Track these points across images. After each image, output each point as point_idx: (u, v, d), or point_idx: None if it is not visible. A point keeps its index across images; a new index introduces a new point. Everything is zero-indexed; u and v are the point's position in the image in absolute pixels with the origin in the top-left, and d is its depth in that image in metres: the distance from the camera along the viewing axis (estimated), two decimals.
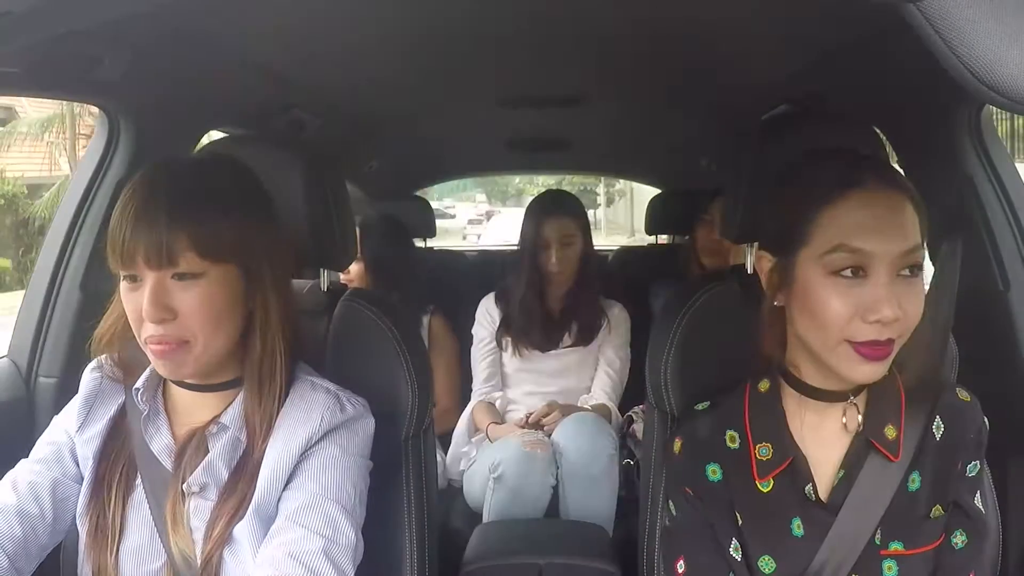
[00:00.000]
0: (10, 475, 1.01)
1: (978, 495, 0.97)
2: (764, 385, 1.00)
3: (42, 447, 1.04)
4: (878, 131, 1.25)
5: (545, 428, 2.03)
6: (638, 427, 2.05)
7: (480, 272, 2.95)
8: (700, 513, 0.98)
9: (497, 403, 2.23)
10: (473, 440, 2.18)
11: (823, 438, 0.96)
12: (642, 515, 1.25)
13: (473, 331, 2.31)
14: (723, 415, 1.01)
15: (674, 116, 2.38)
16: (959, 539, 0.95)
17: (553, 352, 2.21)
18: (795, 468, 0.95)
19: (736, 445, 0.98)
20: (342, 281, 2.29)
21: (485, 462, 1.93)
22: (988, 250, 1.38)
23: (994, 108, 1.31)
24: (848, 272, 0.86)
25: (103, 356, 1.07)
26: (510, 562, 1.62)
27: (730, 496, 0.97)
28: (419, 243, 2.92)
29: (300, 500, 0.94)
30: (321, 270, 1.26)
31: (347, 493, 0.96)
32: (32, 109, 14.58)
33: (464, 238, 16.83)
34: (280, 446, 0.97)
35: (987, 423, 0.98)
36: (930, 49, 0.50)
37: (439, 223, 3.54)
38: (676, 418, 1.17)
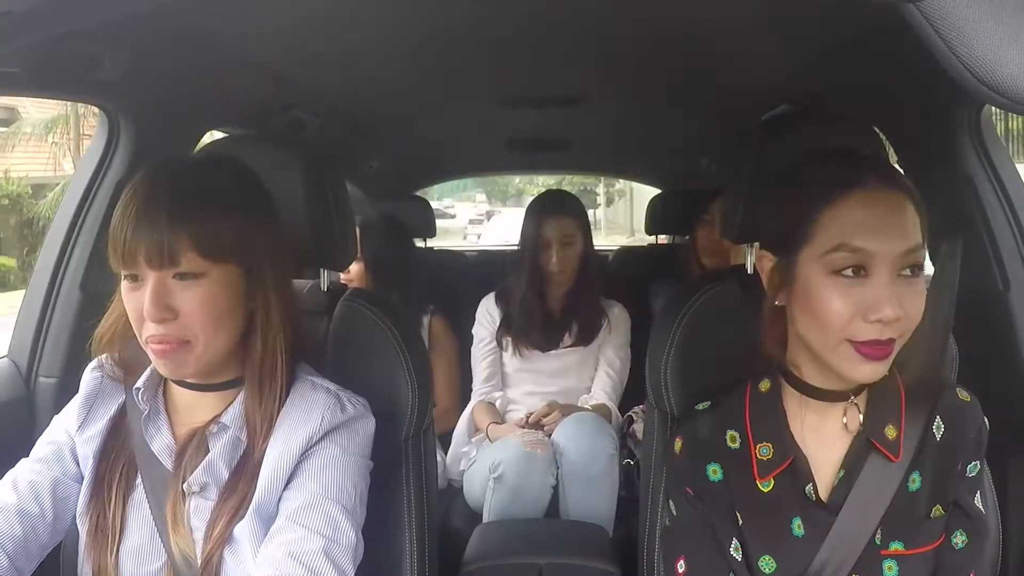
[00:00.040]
0: (10, 474, 1.01)
1: (978, 495, 0.97)
2: (765, 385, 1.00)
3: (42, 446, 1.04)
4: (878, 131, 1.25)
5: (545, 428, 2.03)
6: (638, 427, 2.05)
7: (480, 272, 2.95)
8: (700, 513, 0.98)
9: (497, 403, 2.23)
10: (473, 440, 2.18)
11: (824, 438, 0.96)
12: (642, 515, 1.25)
13: (473, 331, 2.31)
14: (724, 415, 1.01)
15: (674, 116, 2.38)
16: (959, 539, 0.95)
17: (553, 352, 2.21)
18: (796, 468, 0.95)
19: (737, 445, 0.98)
20: (342, 281, 2.29)
21: (485, 462, 1.93)
22: (988, 250, 1.38)
23: (994, 108, 1.31)
24: (849, 272, 0.86)
25: (103, 356, 1.07)
26: (510, 562, 1.62)
27: (730, 496, 0.97)
28: (419, 243, 2.92)
29: (300, 500, 0.94)
30: (321, 270, 1.26)
31: (348, 493, 0.96)
32: (35, 110, 14.63)
33: (464, 237, 16.84)
34: (280, 446, 0.97)
35: (987, 423, 0.98)
36: (930, 49, 0.50)
37: (440, 223, 3.54)
38: (676, 418, 1.17)
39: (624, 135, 2.88)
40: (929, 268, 0.95)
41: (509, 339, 2.22)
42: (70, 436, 1.03)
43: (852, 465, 0.94)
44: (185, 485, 0.97)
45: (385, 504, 1.12)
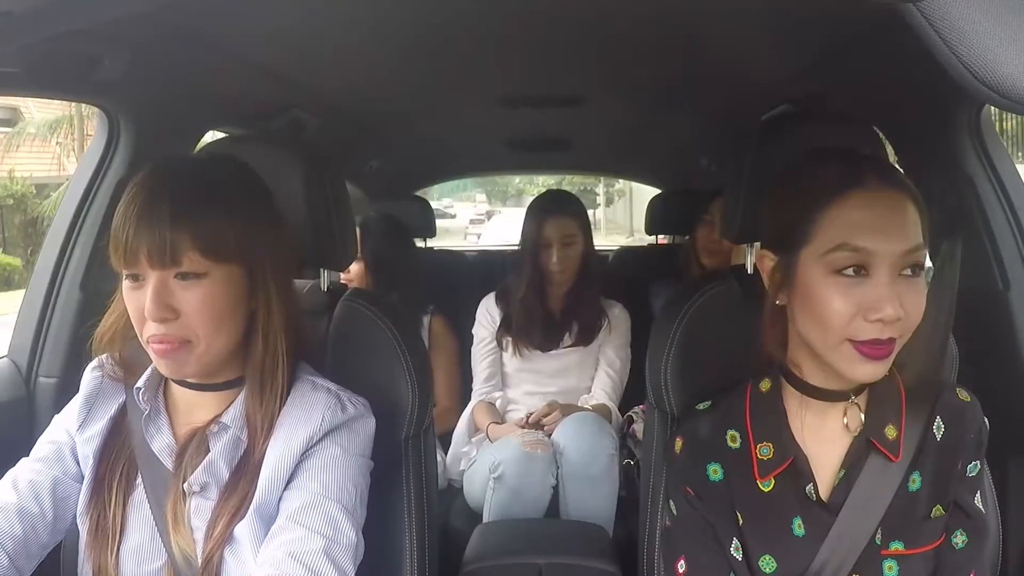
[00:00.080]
0: (11, 474, 1.01)
1: (978, 495, 0.97)
2: (765, 385, 1.00)
3: (43, 446, 1.04)
4: (878, 131, 1.25)
5: (545, 428, 2.03)
6: (638, 427, 2.05)
7: (480, 272, 2.95)
8: (701, 513, 0.98)
9: (497, 403, 2.23)
10: (473, 440, 2.18)
11: (824, 438, 0.96)
12: (642, 515, 1.25)
13: (473, 331, 2.31)
14: (724, 415, 1.01)
15: (674, 116, 2.38)
16: (959, 539, 0.95)
17: (553, 352, 2.21)
18: (796, 468, 0.95)
19: (737, 445, 0.98)
20: (342, 281, 2.29)
21: (485, 462, 1.93)
22: (988, 250, 1.38)
23: (994, 108, 1.31)
24: (850, 271, 0.86)
25: (104, 355, 1.07)
26: (510, 562, 1.62)
27: (731, 496, 0.97)
28: (419, 243, 2.92)
29: (301, 500, 0.94)
30: (321, 270, 1.26)
31: (348, 493, 0.96)
32: (37, 110, 14.68)
33: (465, 237, 16.85)
34: (281, 446, 0.97)
35: (987, 423, 0.98)
36: (930, 49, 0.50)
37: (440, 223, 3.54)
38: (676, 418, 1.17)
39: (624, 135, 2.88)
40: (929, 268, 0.95)
41: (509, 339, 2.22)
42: (70, 436, 1.03)
43: (852, 465, 0.94)
44: (185, 485, 0.97)
45: (385, 504, 1.12)
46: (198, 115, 1.64)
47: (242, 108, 1.73)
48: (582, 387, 2.23)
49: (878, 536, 0.93)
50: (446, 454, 2.21)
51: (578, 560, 1.61)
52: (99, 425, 1.03)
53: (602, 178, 17.66)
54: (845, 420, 0.95)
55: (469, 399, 2.28)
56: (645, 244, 3.51)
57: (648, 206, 3.16)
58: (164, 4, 1.01)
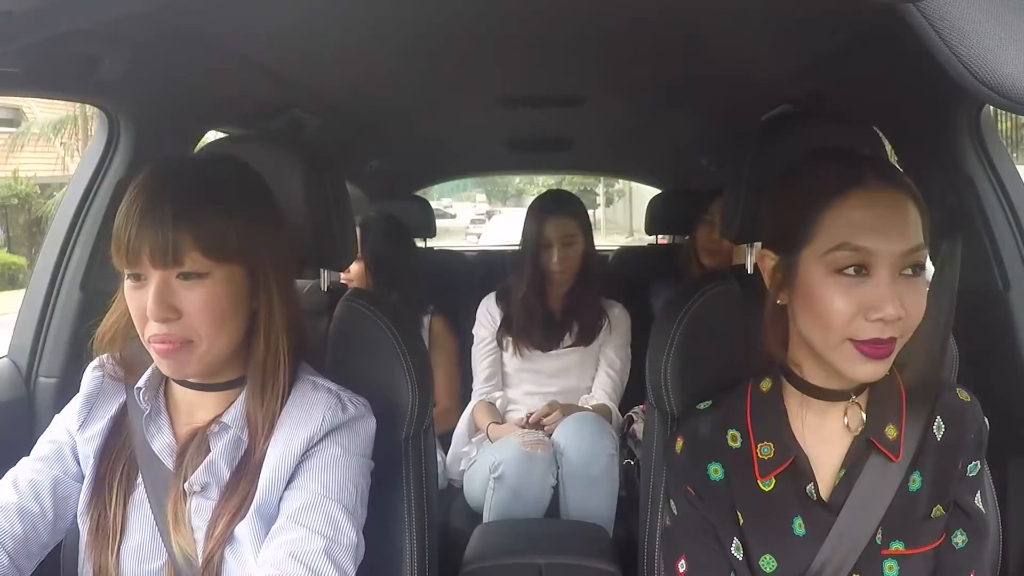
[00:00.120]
0: (11, 473, 1.01)
1: (978, 495, 0.98)
2: (766, 384, 1.00)
3: (43, 445, 1.04)
4: (878, 131, 1.25)
5: (545, 428, 2.03)
6: (638, 427, 2.05)
7: (480, 272, 2.95)
8: (701, 513, 0.98)
9: (497, 403, 2.23)
10: (473, 440, 2.18)
11: (824, 437, 0.96)
12: (642, 515, 1.25)
13: (474, 331, 2.31)
14: (725, 414, 1.01)
15: (674, 116, 2.38)
16: (959, 539, 0.95)
17: (554, 352, 2.21)
18: (796, 467, 0.95)
19: (738, 444, 0.98)
20: (342, 281, 2.29)
21: (485, 462, 1.93)
22: (988, 250, 1.38)
23: (994, 108, 1.31)
24: (851, 271, 0.86)
25: (104, 355, 1.07)
26: (510, 562, 1.62)
27: (731, 495, 0.97)
28: (419, 243, 2.92)
29: (302, 500, 0.94)
30: (321, 270, 1.26)
31: (348, 493, 0.96)
32: (40, 110, 14.73)
33: (465, 237, 16.86)
34: (282, 446, 0.97)
35: (987, 423, 0.98)
36: (930, 49, 0.50)
37: (440, 223, 3.54)
38: (676, 418, 1.17)
39: (624, 135, 2.88)
40: (929, 268, 0.95)
41: (509, 339, 2.22)
42: (71, 435, 1.03)
43: (853, 465, 0.94)
44: (186, 485, 0.97)
45: (385, 504, 1.12)
46: (198, 115, 1.64)
47: (242, 108, 1.73)
48: (582, 387, 2.23)
49: (878, 536, 0.93)
50: (446, 454, 2.21)
51: (578, 560, 1.61)
52: (100, 425, 1.03)
53: (602, 178, 17.66)
54: (846, 420, 0.95)
55: (469, 399, 2.28)
56: (645, 244, 3.51)
57: (648, 206, 3.16)
58: (164, 4, 1.01)
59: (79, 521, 1.01)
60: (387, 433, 1.09)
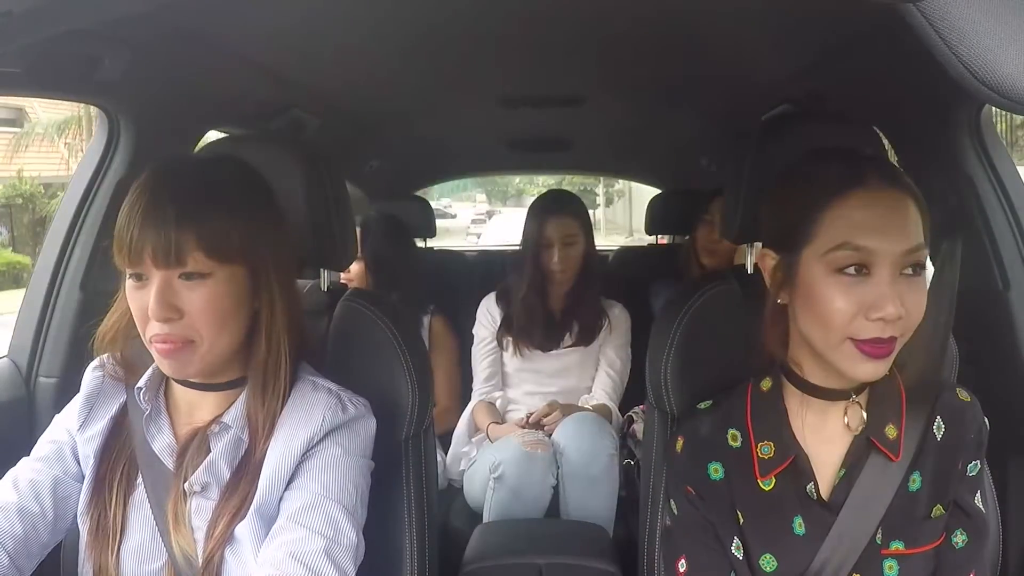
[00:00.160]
0: (11, 473, 1.01)
1: (978, 495, 0.98)
2: (766, 384, 1.00)
3: (43, 445, 1.04)
4: (878, 131, 1.25)
5: (545, 428, 2.03)
6: (638, 427, 2.05)
7: (480, 272, 2.95)
8: (701, 512, 0.98)
9: (497, 403, 2.23)
10: (473, 440, 2.18)
11: (825, 437, 0.96)
12: (642, 515, 1.25)
13: (474, 331, 2.31)
14: (725, 414, 1.01)
15: (674, 116, 2.38)
16: (959, 538, 0.95)
17: (554, 352, 2.21)
18: (797, 467, 0.95)
19: (738, 444, 0.98)
20: (342, 281, 2.29)
21: (485, 462, 1.93)
22: (988, 250, 1.38)
23: (994, 108, 1.31)
24: (852, 270, 0.86)
25: (105, 355, 1.07)
26: (510, 562, 1.62)
27: (731, 495, 0.97)
28: (419, 243, 2.92)
29: (302, 500, 0.94)
30: (321, 270, 1.26)
31: (348, 493, 0.96)
32: (43, 111, 14.77)
33: (466, 237, 16.87)
34: (282, 446, 0.97)
35: (987, 423, 0.98)
36: (930, 49, 0.50)
37: (440, 223, 3.54)
38: (676, 418, 1.17)
39: (624, 135, 2.88)
40: (929, 268, 0.95)
41: (510, 339, 2.22)
42: (71, 435, 1.03)
43: (853, 464, 0.94)
44: (186, 485, 0.97)
45: (385, 504, 1.12)
46: (198, 115, 1.64)
47: (242, 108, 1.73)
48: (582, 387, 2.23)
49: (878, 535, 0.93)
50: (446, 454, 2.21)
51: (578, 560, 1.61)
52: (100, 425, 1.03)
53: (602, 178, 17.65)
54: (846, 419, 0.95)
55: (469, 399, 2.28)
56: (645, 244, 3.51)
57: (648, 206, 3.16)
58: (164, 4, 1.01)
59: (79, 521, 1.01)
60: (387, 433, 1.09)
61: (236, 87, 1.61)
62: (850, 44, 1.30)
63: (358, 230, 2.08)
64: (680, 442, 1.02)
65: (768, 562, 0.95)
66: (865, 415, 0.95)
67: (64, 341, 1.44)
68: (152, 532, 0.98)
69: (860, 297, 0.86)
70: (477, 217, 24.32)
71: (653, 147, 3.06)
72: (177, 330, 0.92)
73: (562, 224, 2.17)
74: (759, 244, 1.05)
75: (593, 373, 2.24)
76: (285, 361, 1.00)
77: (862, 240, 0.85)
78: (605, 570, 1.60)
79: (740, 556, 0.96)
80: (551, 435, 1.98)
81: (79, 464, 1.03)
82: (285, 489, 0.96)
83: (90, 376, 1.07)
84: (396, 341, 1.17)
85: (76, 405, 1.05)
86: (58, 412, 1.07)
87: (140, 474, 1.01)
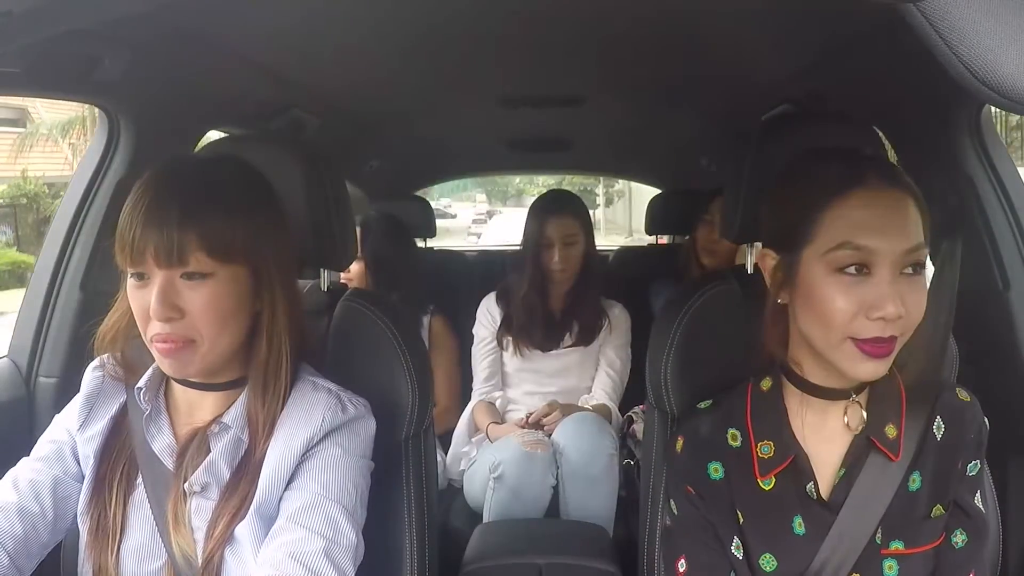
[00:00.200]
0: (11, 473, 1.01)
1: (978, 495, 0.98)
2: (766, 383, 1.00)
3: (43, 445, 1.04)
4: (878, 130, 1.25)
5: (545, 428, 2.03)
6: (638, 427, 2.05)
7: (480, 272, 2.95)
8: (701, 512, 0.98)
9: (497, 403, 2.23)
10: (473, 440, 2.18)
11: (825, 436, 0.96)
12: (642, 515, 1.25)
13: (474, 330, 2.31)
14: (725, 413, 1.01)
15: (674, 116, 2.38)
16: (959, 538, 0.95)
17: (554, 352, 2.21)
18: (796, 466, 0.95)
19: (738, 443, 0.98)
20: (342, 280, 2.29)
21: (485, 462, 1.93)
22: (988, 250, 1.38)
23: (994, 108, 1.31)
24: (852, 269, 0.86)
25: (105, 355, 1.07)
26: (510, 562, 1.62)
27: (731, 494, 0.97)
28: (419, 243, 2.92)
29: (301, 500, 0.94)
30: (321, 270, 1.26)
31: (348, 494, 0.96)
32: (46, 111, 14.80)
33: (467, 237, 16.88)
34: (281, 446, 0.97)
35: (987, 423, 0.98)
36: (930, 49, 0.50)
37: (441, 223, 3.54)
38: (676, 418, 1.17)
39: (624, 135, 2.88)
40: (929, 267, 0.95)
41: (510, 339, 2.22)
42: (71, 435, 1.03)
43: (852, 464, 0.94)
44: (186, 485, 0.97)
45: (385, 504, 1.12)
46: (198, 115, 1.64)
47: (242, 108, 1.73)
48: (582, 387, 2.23)
49: (878, 535, 0.93)
50: (446, 454, 2.21)
51: (578, 560, 1.61)
52: (100, 425, 1.03)
53: (601, 178, 17.65)
54: (846, 419, 0.95)
55: (469, 399, 2.28)
56: (645, 244, 3.51)
57: (648, 206, 3.16)
58: (164, 4, 1.01)
59: (79, 521, 1.01)
60: (387, 433, 1.09)
61: (236, 87, 1.61)
62: (850, 44, 1.30)
63: (358, 230, 2.08)
64: (680, 442, 1.02)
65: (768, 562, 0.95)
66: (865, 415, 0.95)
67: (64, 341, 1.44)
68: (152, 532, 0.98)
69: (860, 297, 0.86)
70: (478, 217, 24.38)
71: (653, 147, 3.06)
72: (178, 330, 0.92)
73: (562, 224, 2.17)
74: (759, 244, 1.05)
75: (593, 373, 2.24)
76: (286, 361, 1.00)
77: (862, 240, 0.85)
78: (605, 570, 1.60)
79: (740, 556, 0.96)
80: (551, 435, 1.98)
81: (79, 464, 1.03)
82: (285, 489, 0.96)
83: (90, 376, 1.07)
84: (396, 341, 1.17)
85: (76, 405, 1.05)
86: (58, 412, 1.07)
87: (140, 474, 1.01)
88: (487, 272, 2.84)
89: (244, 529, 0.94)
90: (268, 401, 0.99)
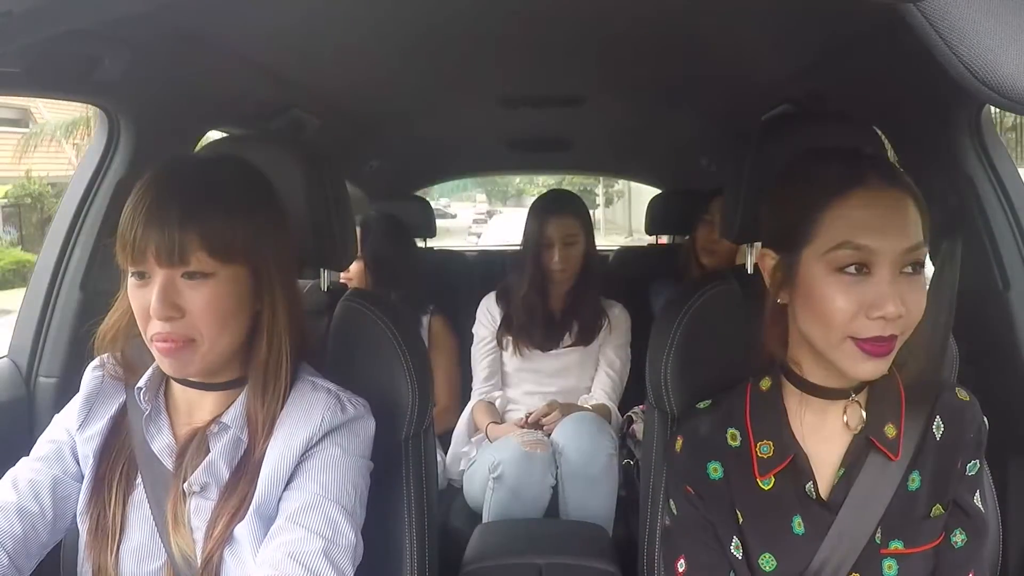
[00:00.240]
0: (11, 473, 1.01)
1: (977, 494, 0.98)
2: (766, 383, 1.00)
3: (43, 445, 1.04)
4: (878, 130, 1.25)
5: (545, 428, 2.03)
6: (638, 427, 2.05)
7: (480, 272, 2.95)
8: (701, 512, 0.98)
9: (497, 402, 2.23)
10: (473, 440, 2.18)
11: (824, 436, 0.96)
12: (642, 515, 1.25)
13: (474, 330, 2.31)
14: (724, 413, 1.01)
15: (674, 116, 2.38)
16: (959, 538, 0.95)
17: (554, 352, 2.21)
18: (796, 466, 0.95)
19: (737, 443, 0.98)
20: (341, 280, 2.29)
21: (485, 462, 1.93)
22: (988, 250, 1.38)
23: (994, 108, 1.31)
24: (852, 269, 0.87)
25: (105, 355, 1.07)
26: (510, 562, 1.62)
27: (731, 494, 0.97)
28: (419, 243, 2.92)
29: (301, 500, 0.94)
30: (321, 270, 1.26)
31: (347, 494, 0.96)
32: (48, 111, 14.84)
33: (468, 237, 16.90)
34: (281, 446, 0.97)
35: (986, 422, 0.98)
36: (930, 49, 0.50)
37: (441, 223, 3.54)
38: (676, 418, 1.17)
39: (624, 135, 2.88)
40: (929, 268, 0.95)
41: (509, 338, 2.22)
42: (70, 435, 1.03)
43: (852, 463, 0.94)
44: (185, 485, 0.97)
45: (385, 504, 1.12)
46: (198, 115, 1.64)
47: (242, 108, 1.73)
48: (582, 387, 2.23)
49: (878, 535, 0.93)
50: (446, 454, 2.21)
51: (578, 560, 1.61)
52: (99, 424, 1.03)
53: (601, 178, 17.65)
54: (845, 418, 0.95)
55: (469, 399, 2.28)
56: (645, 244, 3.51)
57: (648, 206, 3.16)
58: (164, 4, 1.01)
59: (78, 521, 1.01)
60: (387, 433, 1.09)
61: (236, 87, 1.61)
62: (850, 44, 1.30)
63: (358, 230, 2.08)
64: (680, 442, 1.02)
65: (767, 561, 0.95)
66: (864, 414, 0.95)
67: (64, 341, 1.44)
68: (151, 532, 0.98)
69: (860, 296, 0.86)
70: (478, 217, 24.44)
71: (653, 147, 3.06)
72: (178, 329, 0.92)
73: (563, 224, 2.17)
74: (759, 244, 1.05)
75: (593, 373, 2.24)
76: (286, 361, 1.00)
77: (862, 239, 0.86)
78: (605, 570, 1.60)
79: (739, 556, 0.96)
80: (550, 435, 1.98)
81: (78, 464, 1.03)
82: (284, 489, 0.96)
83: (90, 376, 1.07)
84: (396, 341, 1.17)
85: (76, 405, 1.05)
86: (58, 412, 1.07)
87: (139, 474, 1.01)
88: (487, 272, 2.84)
89: (243, 529, 0.94)
90: (267, 401, 0.99)
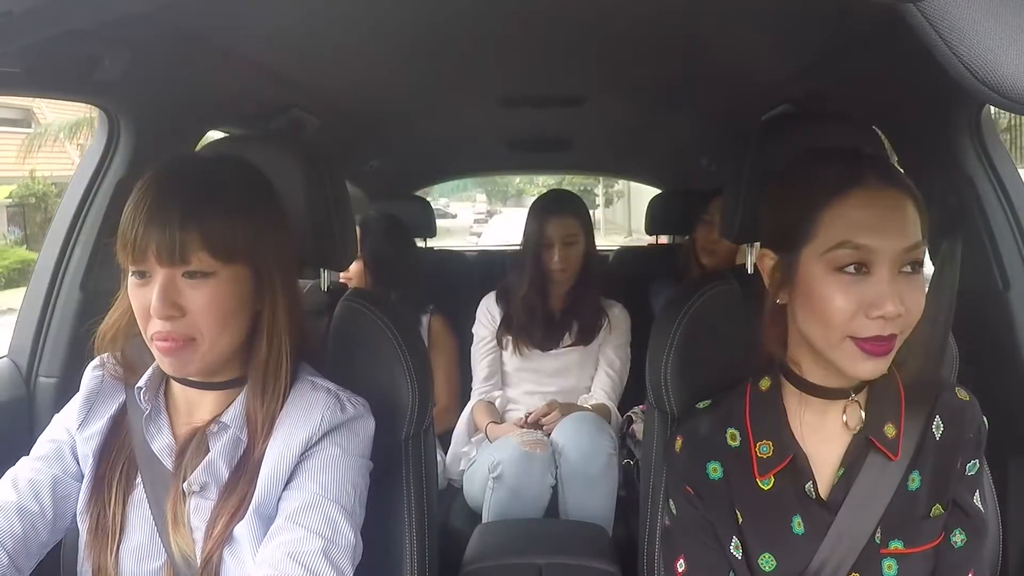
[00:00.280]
0: (11, 472, 1.01)
1: (977, 494, 0.98)
2: (765, 383, 1.00)
3: (43, 445, 1.04)
4: (878, 130, 1.25)
5: (544, 428, 2.03)
6: (638, 427, 2.05)
7: (480, 272, 2.95)
8: (700, 512, 0.98)
9: (497, 402, 2.23)
10: (473, 440, 2.18)
11: (824, 436, 0.96)
12: (642, 515, 1.25)
13: (474, 330, 2.31)
14: (724, 413, 1.01)
15: (674, 116, 2.38)
16: (958, 538, 0.95)
17: (553, 351, 2.21)
18: (795, 466, 0.95)
19: (737, 443, 0.98)
20: (341, 280, 2.29)
21: (484, 462, 1.93)
22: (988, 250, 1.38)
23: (994, 108, 1.31)
24: (851, 269, 0.87)
25: (105, 354, 1.07)
26: (510, 562, 1.62)
27: (730, 494, 0.97)
28: (419, 243, 2.91)
29: (300, 500, 0.94)
30: (321, 270, 1.26)
31: (347, 493, 0.96)
32: (50, 111, 14.87)
33: (468, 237, 16.91)
34: (280, 446, 0.97)
35: (986, 422, 0.98)
36: (930, 49, 0.50)
37: (441, 223, 3.54)
38: (676, 418, 1.17)
39: (624, 135, 2.88)
40: (929, 267, 0.95)
41: (509, 338, 2.22)
42: (70, 434, 1.03)
43: (851, 463, 0.94)
44: (185, 484, 0.97)
45: (385, 504, 1.12)
46: (198, 115, 1.64)
47: (242, 108, 1.73)
48: (582, 387, 2.23)
49: (877, 535, 0.93)
50: (446, 454, 2.21)
51: (578, 560, 1.61)
52: (99, 424, 1.03)
53: (601, 178, 17.65)
54: (845, 418, 0.95)
55: (469, 399, 2.28)
56: (644, 244, 3.51)
57: (648, 206, 3.16)
58: (164, 4, 1.01)
59: (78, 520, 1.01)
60: (387, 433, 1.09)
61: (236, 87, 1.61)
62: (850, 44, 1.30)
63: (358, 230, 2.08)
64: (679, 442, 1.02)
65: (767, 561, 0.95)
66: (864, 414, 0.95)
67: (64, 341, 1.44)
68: (151, 532, 0.98)
69: (860, 295, 0.86)
70: (478, 217, 24.50)
71: (653, 147, 3.06)
72: (179, 328, 0.92)
73: (563, 224, 2.17)
74: (759, 244, 1.05)
75: (592, 373, 2.24)
76: (286, 361, 1.00)
77: (862, 239, 0.86)
78: (605, 570, 1.59)
79: (739, 556, 0.96)
80: (550, 435, 1.98)
81: (78, 463, 1.03)
82: (283, 489, 0.96)
83: (90, 375, 1.07)
84: (396, 341, 1.17)
85: (75, 404, 1.05)
86: (58, 412, 1.07)
87: (139, 473, 1.01)
88: (487, 272, 2.84)
89: (243, 529, 0.94)
90: (267, 401, 0.99)
